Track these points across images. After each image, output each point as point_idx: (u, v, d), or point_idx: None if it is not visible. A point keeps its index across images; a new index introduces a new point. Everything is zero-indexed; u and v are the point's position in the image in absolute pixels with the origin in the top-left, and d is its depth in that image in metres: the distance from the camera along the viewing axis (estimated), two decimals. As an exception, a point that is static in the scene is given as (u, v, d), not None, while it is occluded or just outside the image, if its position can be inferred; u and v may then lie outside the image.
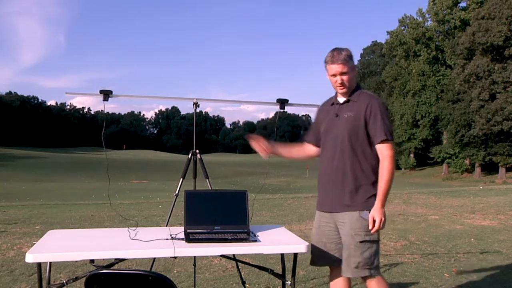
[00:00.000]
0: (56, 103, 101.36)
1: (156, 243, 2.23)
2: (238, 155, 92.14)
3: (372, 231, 2.25)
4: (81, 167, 38.47)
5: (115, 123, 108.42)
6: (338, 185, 2.35)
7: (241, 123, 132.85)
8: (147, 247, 2.16)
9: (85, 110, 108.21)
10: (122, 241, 2.26)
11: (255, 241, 2.28)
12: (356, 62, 2.45)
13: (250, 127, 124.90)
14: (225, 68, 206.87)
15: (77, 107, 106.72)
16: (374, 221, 2.24)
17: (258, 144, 2.56)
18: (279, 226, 2.75)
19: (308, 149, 2.64)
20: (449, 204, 9.81)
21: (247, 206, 2.50)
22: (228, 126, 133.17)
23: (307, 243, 2.28)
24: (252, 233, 2.43)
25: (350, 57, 2.32)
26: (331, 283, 2.52)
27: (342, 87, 2.35)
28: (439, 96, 40.25)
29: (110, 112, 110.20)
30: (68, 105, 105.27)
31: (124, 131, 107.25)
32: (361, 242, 2.27)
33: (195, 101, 3.37)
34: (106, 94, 3.18)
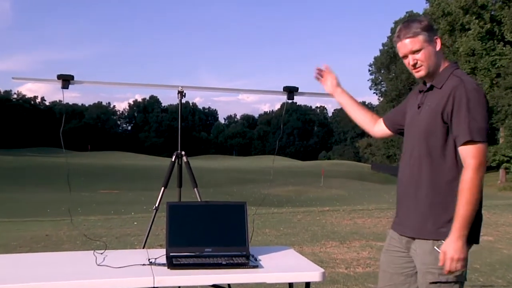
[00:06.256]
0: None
1: (131, 269, 2.26)
2: (234, 158, 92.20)
3: (445, 272, 2.11)
4: (33, 173, 38.52)
5: (78, 117, 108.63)
6: (411, 200, 2.28)
7: (238, 117, 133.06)
8: (118, 275, 2.18)
9: (38, 100, 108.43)
10: (86, 268, 2.29)
11: (256, 266, 2.31)
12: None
13: (250, 122, 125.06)
14: (219, 48, 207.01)
15: (27, 96, 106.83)
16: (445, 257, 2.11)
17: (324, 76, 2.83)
18: (286, 248, 2.78)
19: (378, 125, 2.68)
20: (507, 222, 9.81)
21: (246, 222, 2.52)
22: (222, 121, 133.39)
23: (322, 270, 2.30)
24: (253, 256, 2.45)
25: (424, 28, 2.22)
26: None
27: (417, 70, 2.26)
28: (494, 82, 40.17)
29: (71, 103, 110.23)
30: (15, 93, 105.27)
31: (89, 127, 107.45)
32: (433, 283, 2.17)
33: (180, 89, 3.39)
34: (66, 80, 3.20)
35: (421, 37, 2.22)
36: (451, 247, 2.09)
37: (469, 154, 2.12)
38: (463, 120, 2.14)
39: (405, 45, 2.25)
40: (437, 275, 2.17)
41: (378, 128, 2.67)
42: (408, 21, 2.28)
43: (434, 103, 2.24)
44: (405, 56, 2.27)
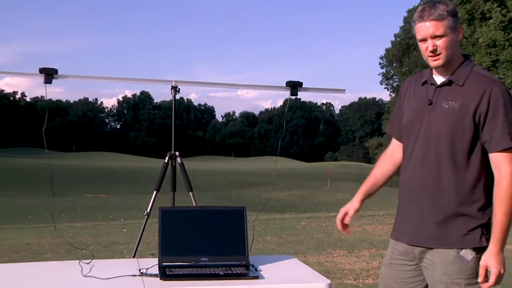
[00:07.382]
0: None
1: (120, 281, 2.26)
2: (233, 159, 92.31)
3: (484, 287, 2.13)
4: (13, 176, 38.56)
5: (62, 114, 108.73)
6: (427, 206, 2.26)
7: (237, 114, 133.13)
8: (106, 287, 2.19)
9: (18, 95, 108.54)
10: (71, 279, 2.29)
11: (256, 277, 2.32)
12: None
13: (250, 120, 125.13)
14: (216, 40, 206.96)
15: (6, 92, 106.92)
16: (486, 271, 2.11)
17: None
18: (289, 257, 2.79)
19: (397, 150, 2.52)
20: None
21: (246, 229, 2.52)
22: (220, 119, 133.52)
23: (328, 281, 2.31)
24: (253, 266, 2.46)
25: (451, 13, 2.18)
26: None
27: (435, 58, 2.21)
28: (517, 76, 40.16)
29: (54, 99, 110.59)
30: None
31: (74, 126, 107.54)
32: None
33: (173, 84, 3.40)
34: (49, 74, 3.21)
35: (446, 22, 2.18)
36: (494, 260, 2.10)
37: (505, 160, 2.14)
38: (500, 124, 2.14)
39: (427, 28, 2.19)
40: (463, 285, 2.18)
41: (399, 153, 2.51)
42: (433, 2, 2.22)
43: (459, 102, 2.20)
44: (424, 40, 2.22)
